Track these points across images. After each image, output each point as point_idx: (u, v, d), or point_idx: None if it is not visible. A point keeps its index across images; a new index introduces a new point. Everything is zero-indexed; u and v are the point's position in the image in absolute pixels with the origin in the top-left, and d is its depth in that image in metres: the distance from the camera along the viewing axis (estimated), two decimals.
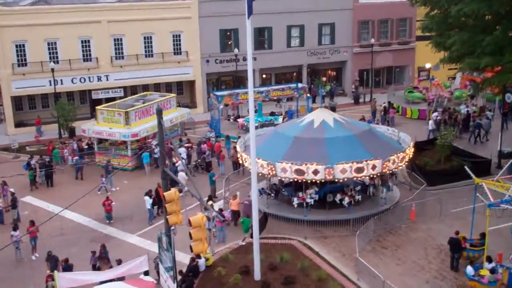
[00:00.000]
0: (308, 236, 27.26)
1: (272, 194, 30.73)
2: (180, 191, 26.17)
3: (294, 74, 58.79)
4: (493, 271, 21.89)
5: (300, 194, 29.09)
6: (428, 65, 57.15)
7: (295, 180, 28.19)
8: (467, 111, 44.81)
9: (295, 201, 29.03)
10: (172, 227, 19.32)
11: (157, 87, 52.84)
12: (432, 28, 37.62)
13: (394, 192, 31.20)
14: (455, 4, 33.12)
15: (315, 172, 27.15)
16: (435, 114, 44.35)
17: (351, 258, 25.08)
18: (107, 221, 29.87)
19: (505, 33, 32.80)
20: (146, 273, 21.84)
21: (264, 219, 27.27)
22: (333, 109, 45.71)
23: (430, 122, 43.08)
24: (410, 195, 30.63)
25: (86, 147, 40.27)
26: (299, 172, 27.32)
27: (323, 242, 26.96)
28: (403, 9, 53.69)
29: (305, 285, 22.71)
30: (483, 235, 23.63)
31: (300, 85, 49.32)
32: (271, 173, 28.05)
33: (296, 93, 47.45)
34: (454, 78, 56.83)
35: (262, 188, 30.95)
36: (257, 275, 23.03)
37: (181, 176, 32.70)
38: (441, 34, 37.15)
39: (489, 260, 22.30)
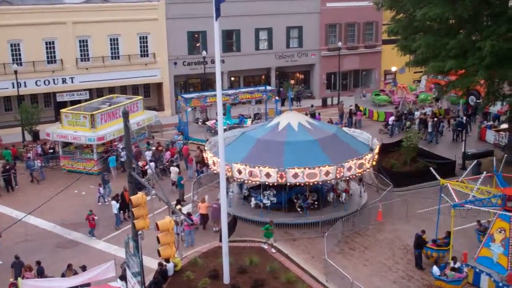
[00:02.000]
0: (277, 238, 27.28)
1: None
2: (147, 194, 25.98)
3: (263, 76, 58.87)
4: (456, 269, 22.23)
5: (258, 195, 29.49)
6: (394, 68, 57.92)
7: (264, 182, 28.25)
8: (425, 113, 46.01)
9: (252, 201, 29.22)
10: (139, 232, 19.07)
11: (123, 89, 52.32)
12: (398, 32, 38.14)
13: (362, 195, 31.46)
14: (420, 8, 33.61)
15: (268, 175, 27.27)
16: (392, 118, 45.00)
17: (319, 260, 25.19)
18: (89, 235, 28.65)
19: (469, 37, 33.42)
20: (122, 277, 21.60)
21: (234, 222, 27.23)
22: (313, 115, 45.91)
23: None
24: (377, 197, 30.93)
25: (51, 150, 39.59)
26: (253, 174, 27.48)
27: (292, 244, 27.03)
28: (369, 13, 54.24)
29: None
30: (448, 234, 24.01)
31: (268, 87, 49.44)
32: (228, 174, 28.00)
33: (264, 95, 47.53)
34: (419, 81, 57.67)
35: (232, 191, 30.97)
36: (226, 278, 22.95)
37: (174, 171, 33.19)
38: (406, 37, 37.70)
39: (454, 259, 22.64)
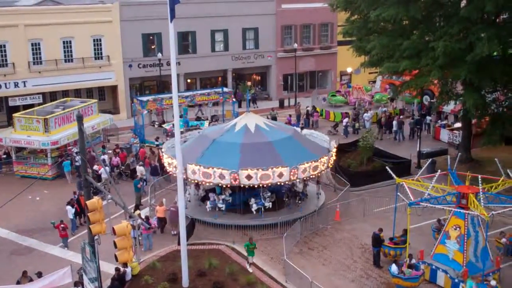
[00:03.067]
0: (236, 240, 27.20)
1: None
2: (104, 199, 25.56)
3: (219, 78, 58.69)
4: (413, 267, 22.55)
5: (212, 197, 29.44)
6: (349, 69, 58.57)
7: (218, 184, 28.23)
8: (384, 111, 46.77)
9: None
10: (96, 237, 18.75)
11: (77, 93, 51.29)
12: (353, 33, 38.61)
13: (319, 195, 31.66)
14: (374, 10, 34.12)
15: (221, 176, 27.20)
16: (346, 120, 45.60)
17: (279, 261, 25.21)
18: (62, 244, 27.57)
19: (422, 37, 34.04)
20: (79, 283, 21.15)
21: (192, 225, 27.01)
22: (274, 118, 45.94)
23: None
24: (334, 197, 31.19)
25: (5, 156, 38.57)
26: (206, 175, 27.38)
27: None
28: (324, 14, 54.72)
29: None
30: (405, 231, 24.35)
31: (225, 89, 49.31)
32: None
33: (221, 97, 47.39)
34: (374, 81, 58.47)
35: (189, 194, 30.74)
36: (185, 282, 22.77)
37: (140, 170, 33.02)
38: (361, 38, 38.16)
39: (411, 257, 22.95)
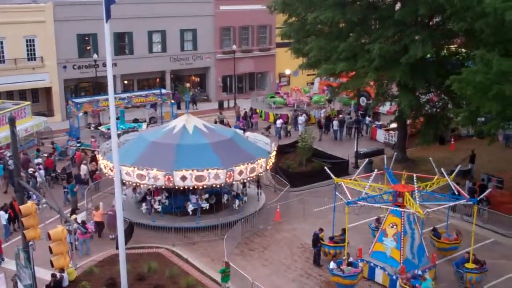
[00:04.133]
0: (176, 243, 26.92)
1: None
2: (38, 204, 24.77)
3: (157, 80, 58.01)
4: (351, 264, 22.89)
5: (149, 200, 29.16)
6: (288, 71, 59.07)
7: (153, 185, 27.87)
8: (321, 113, 47.64)
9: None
10: (31, 242, 18.13)
11: (10, 95, 49.50)
12: (291, 35, 38.92)
13: (259, 196, 31.72)
14: (312, 12, 34.51)
15: (155, 178, 26.93)
16: (280, 122, 45.88)
17: (219, 263, 25.05)
18: None
19: (358, 40, 34.69)
20: None
21: (130, 228, 26.52)
22: (222, 122, 45.63)
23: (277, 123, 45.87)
24: (275, 197, 31.33)
25: None
26: (140, 177, 27.07)
27: (191, 248, 26.75)
28: (263, 16, 54.89)
29: None
30: (343, 231, 24.70)
31: (163, 91, 48.78)
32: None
33: (160, 99, 46.85)
34: (312, 83, 59.20)
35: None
36: (124, 286, 22.23)
37: (84, 169, 32.73)
38: (299, 41, 38.51)
39: (349, 255, 23.27)
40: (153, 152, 28.26)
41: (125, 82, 56.00)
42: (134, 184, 28.80)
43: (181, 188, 27.66)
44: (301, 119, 46.65)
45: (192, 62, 58.08)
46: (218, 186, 28.11)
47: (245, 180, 29.26)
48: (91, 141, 40.59)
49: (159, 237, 27.42)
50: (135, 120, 47.20)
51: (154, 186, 27.72)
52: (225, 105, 56.61)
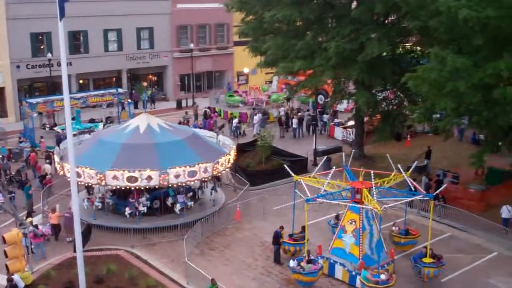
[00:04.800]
0: (135, 244, 26.59)
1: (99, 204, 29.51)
2: None
3: (114, 79, 57.19)
4: (312, 261, 22.99)
5: (133, 202, 28.52)
6: (246, 70, 59.05)
7: (123, 188, 27.45)
8: (279, 112, 47.86)
9: (127, 211, 28.25)
10: None
11: None
12: (248, 34, 38.91)
13: (219, 194, 31.61)
14: (269, 11, 34.56)
15: (149, 178, 26.65)
16: (235, 121, 45.66)
17: (180, 263, 24.88)
18: None
19: (315, 38, 34.94)
20: None
21: (88, 230, 26.03)
22: (188, 121, 45.18)
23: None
24: (234, 196, 31.24)
25: None
26: (132, 179, 26.67)
27: (151, 249, 26.46)
28: (220, 14, 54.76)
29: None
30: (303, 229, 24.80)
31: (120, 90, 48.13)
32: (100, 182, 26.96)
33: (116, 98, 46.21)
34: (271, 82, 59.37)
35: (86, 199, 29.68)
36: None
37: (47, 168, 32.37)
38: (256, 39, 38.57)
39: (309, 253, 23.36)
40: (130, 154, 27.67)
41: (81, 81, 55.02)
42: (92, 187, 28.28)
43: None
44: (256, 118, 46.27)
45: (149, 61, 57.50)
46: (174, 186, 28.08)
47: (205, 180, 29.20)
48: (40, 141, 39.72)
49: (118, 239, 27.01)
50: (91, 120, 46.42)
51: (145, 187, 27.30)
52: (184, 104, 56.24)
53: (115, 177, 26.76)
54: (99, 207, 28.87)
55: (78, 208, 21.61)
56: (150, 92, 56.15)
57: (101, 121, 46.03)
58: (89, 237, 25.94)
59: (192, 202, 29.51)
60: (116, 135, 29.98)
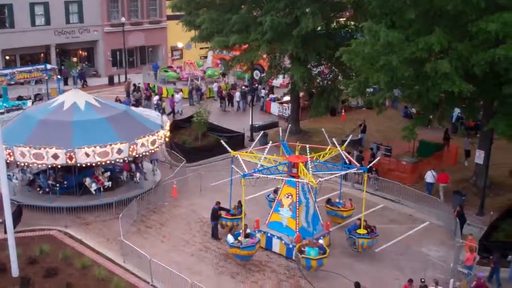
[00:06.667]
0: (69, 224, 25.94)
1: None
2: None
3: (42, 55, 55.08)
4: (249, 236, 23.07)
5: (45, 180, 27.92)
6: (180, 44, 58.10)
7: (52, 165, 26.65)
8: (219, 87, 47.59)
9: (93, 187, 27.80)
10: None
11: None
12: (182, 7, 38.23)
13: (156, 172, 31.20)
14: None
15: (55, 156, 25.92)
16: (156, 98, 44.42)
17: (116, 242, 24.47)
18: None
19: (250, 12, 34.71)
20: None
21: (19, 211, 25.17)
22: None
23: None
24: (171, 173, 30.90)
25: None
26: (38, 156, 25.91)
27: (85, 229, 25.90)
28: None
29: (69, 275, 21.82)
30: (240, 204, 24.80)
31: (49, 66, 46.44)
32: (9, 158, 26.02)
33: (45, 75, 44.57)
34: (206, 57, 58.72)
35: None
36: (15, 271, 21.37)
37: None
38: (190, 13, 37.99)
39: (246, 227, 23.36)
40: (45, 131, 26.84)
41: (7, 57, 52.66)
42: (24, 165, 27.27)
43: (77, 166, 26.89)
44: (178, 97, 44.49)
45: (79, 36, 55.58)
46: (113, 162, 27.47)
47: (140, 156, 28.69)
48: None
49: (51, 219, 26.25)
50: (20, 98, 44.56)
51: (54, 165, 26.49)
52: (116, 80, 54.85)
53: (22, 154, 26.03)
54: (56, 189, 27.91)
55: (8, 188, 20.94)
56: (80, 68, 54.42)
57: (30, 99, 44.31)
58: (20, 218, 25.16)
59: (110, 183, 28.68)
60: (40, 110, 29.15)
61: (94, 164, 27.24)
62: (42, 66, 45.45)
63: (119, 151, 26.62)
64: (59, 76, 46.59)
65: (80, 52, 58.70)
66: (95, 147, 26.15)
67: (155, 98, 44.35)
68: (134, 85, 47.83)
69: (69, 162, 26.12)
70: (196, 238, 25.36)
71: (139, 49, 61.12)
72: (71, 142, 26.31)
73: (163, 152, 34.09)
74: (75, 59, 56.75)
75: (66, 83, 49.97)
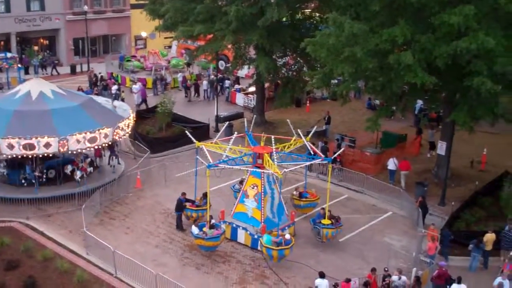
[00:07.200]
0: (31, 216, 25.48)
1: None
2: None
3: (2, 43, 53.74)
4: (214, 227, 23.02)
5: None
6: (144, 34, 57.43)
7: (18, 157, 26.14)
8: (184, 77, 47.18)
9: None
10: None
11: None
12: None
13: (119, 162, 30.84)
14: None
15: (47, 145, 25.48)
16: (115, 87, 43.38)
17: (78, 233, 24.15)
18: None
19: (215, 2, 34.46)
20: None
21: None
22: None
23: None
24: (134, 164, 30.59)
25: None
26: (29, 146, 25.38)
27: (47, 220, 25.49)
28: None
29: (30, 267, 21.52)
30: (205, 195, 24.71)
31: (9, 54, 45.41)
32: None
33: (5, 63, 43.56)
34: (170, 46, 58.15)
35: None
36: None
37: None
38: (154, 2, 37.63)
39: (211, 218, 23.29)
40: (24, 121, 26.15)
41: None
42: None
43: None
44: (136, 88, 43.05)
45: (40, 24, 54.43)
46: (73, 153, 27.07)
47: (102, 147, 28.35)
48: None
49: (11, 210, 25.75)
50: None
51: (42, 155, 26.06)
52: (78, 69, 53.91)
53: (10, 145, 25.38)
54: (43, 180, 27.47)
55: None
56: (41, 57, 53.30)
57: None
58: None
59: (92, 168, 28.60)
60: (5, 101, 28.30)
61: (74, 152, 26.96)
62: (2, 55, 44.43)
63: (106, 136, 26.68)
64: (19, 65, 45.56)
65: (42, 40, 57.51)
66: (85, 133, 26.10)
67: (114, 88, 43.49)
68: (95, 75, 47.08)
69: (62, 150, 25.88)
70: (161, 230, 25.19)
71: (102, 38, 60.20)
72: (56, 130, 25.92)
73: (127, 142, 33.70)
74: (36, 48, 55.56)
75: (27, 72, 48.90)
